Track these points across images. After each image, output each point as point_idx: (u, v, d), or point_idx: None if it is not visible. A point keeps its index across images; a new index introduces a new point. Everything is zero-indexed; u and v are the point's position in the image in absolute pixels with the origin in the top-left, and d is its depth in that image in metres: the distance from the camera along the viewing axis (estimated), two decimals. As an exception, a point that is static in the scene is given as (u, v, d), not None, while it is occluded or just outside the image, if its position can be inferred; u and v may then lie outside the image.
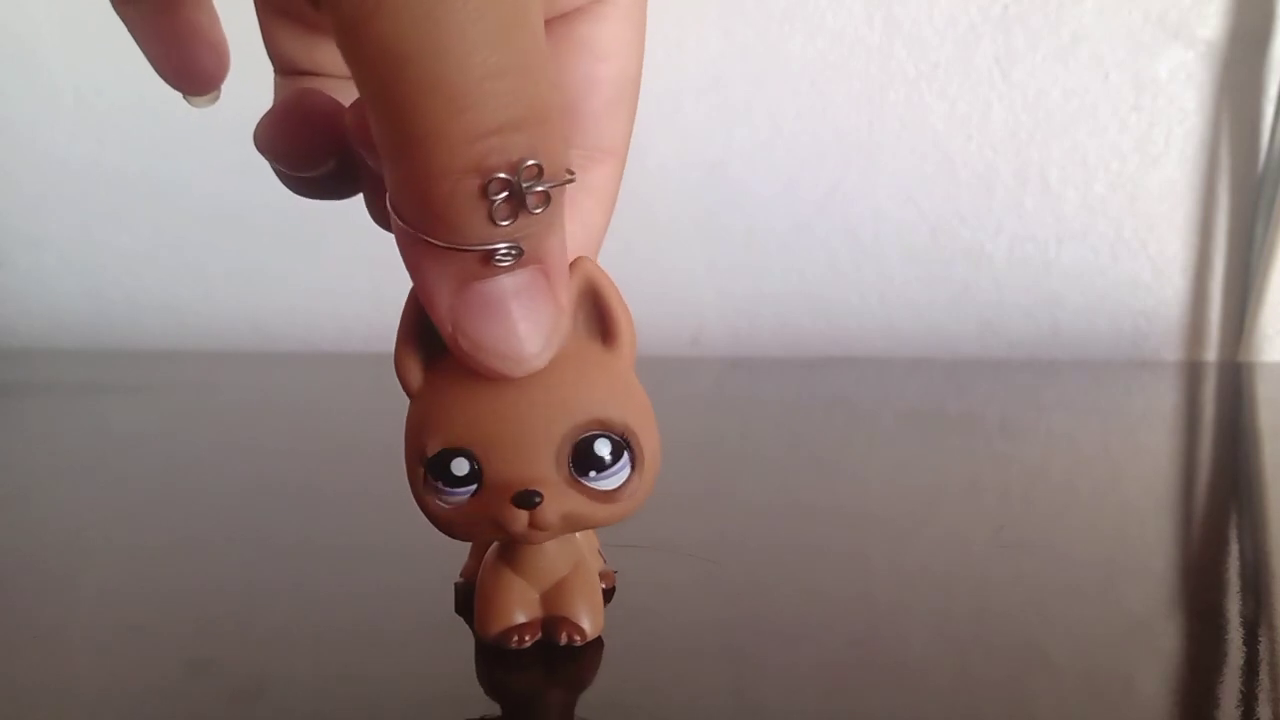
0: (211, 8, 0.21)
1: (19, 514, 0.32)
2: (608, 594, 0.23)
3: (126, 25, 0.21)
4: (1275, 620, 0.23)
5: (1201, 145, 0.52)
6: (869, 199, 0.54)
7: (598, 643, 0.21)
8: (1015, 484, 0.34)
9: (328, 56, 0.20)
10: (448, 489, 0.18)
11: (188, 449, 0.39)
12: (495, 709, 0.19)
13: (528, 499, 0.17)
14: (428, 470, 0.18)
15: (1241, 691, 0.19)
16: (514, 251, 0.16)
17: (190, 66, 0.21)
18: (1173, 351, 0.54)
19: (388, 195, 0.16)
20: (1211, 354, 0.54)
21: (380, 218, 0.20)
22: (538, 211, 0.15)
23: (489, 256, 0.15)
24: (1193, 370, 0.53)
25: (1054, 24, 0.51)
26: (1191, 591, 0.25)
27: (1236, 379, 0.51)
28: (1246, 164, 0.52)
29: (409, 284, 0.17)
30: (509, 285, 0.16)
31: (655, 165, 0.55)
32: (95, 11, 0.21)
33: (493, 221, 0.15)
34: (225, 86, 0.22)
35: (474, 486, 0.18)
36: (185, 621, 0.23)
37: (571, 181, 0.15)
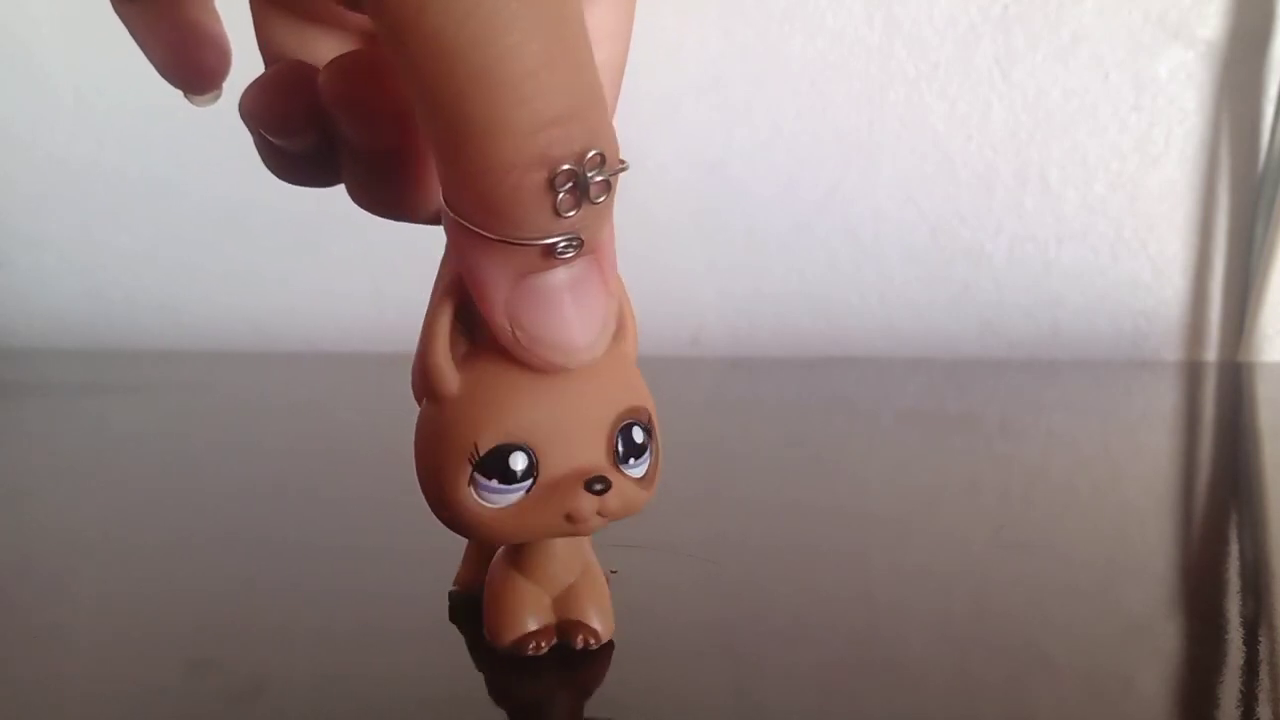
0: (212, 4, 0.21)
1: (19, 514, 0.32)
2: None
3: (126, 25, 0.21)
4: (1275, 620, 0.23)
5: (1201, 145, 0.52)
6: (869, 199, 0.54)
7: (603, 644, 0.21)
8: (1015, 484, 0.34)
9: (321, 48, 0.20)
10: (502, 487, 0.18)
11: (187, 449, 0.39)
12: (497, 709, 0.19)
13: (599, 484, 0.17)
14: (478, 470, 0.17)
15: (1241, 691, 0.19)
16: (574, 243, 0.15)
17: (193, 65, 0.21)
18: (1173, 351, 0.54)
19: (442, 192, 0.16)
20: (1211, 354, 0.54)
21: (359, 195, 0.20)
22: (599, 201, 0.15)
23: (550, 250, 0.15)
24: (1193, 370, 0.53)
25: (1054, 24, 0.51)
26: (1191, 591, 0.25)
27: (1236, 379, 0.51)
28: (1246, 164, 0.52)
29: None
30: (564, 277, 0.16)
31: (655, 165, 0.55)
32: (95, 11, 0.21)
33: (558, 214, 0.15)
34: (227, 84, 0.22)
35: (529, 483, 0.18)
36: (185, 621, 0.23)
37: (626, 169, 0.15)
